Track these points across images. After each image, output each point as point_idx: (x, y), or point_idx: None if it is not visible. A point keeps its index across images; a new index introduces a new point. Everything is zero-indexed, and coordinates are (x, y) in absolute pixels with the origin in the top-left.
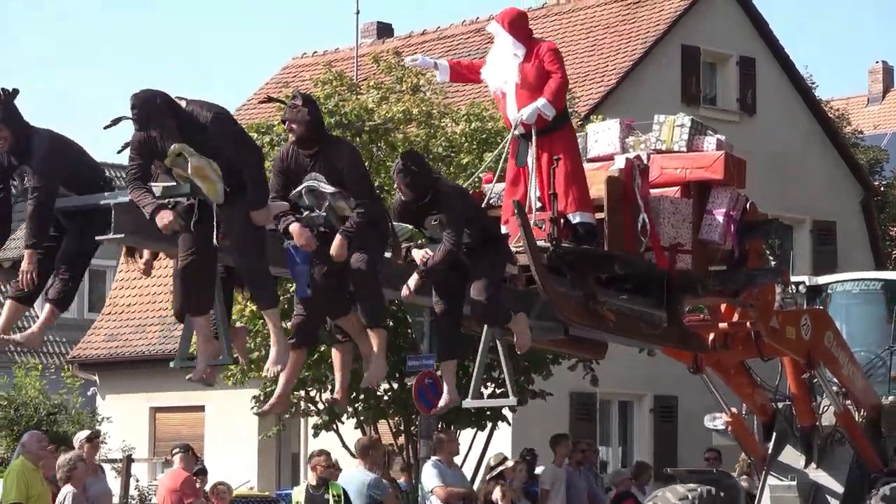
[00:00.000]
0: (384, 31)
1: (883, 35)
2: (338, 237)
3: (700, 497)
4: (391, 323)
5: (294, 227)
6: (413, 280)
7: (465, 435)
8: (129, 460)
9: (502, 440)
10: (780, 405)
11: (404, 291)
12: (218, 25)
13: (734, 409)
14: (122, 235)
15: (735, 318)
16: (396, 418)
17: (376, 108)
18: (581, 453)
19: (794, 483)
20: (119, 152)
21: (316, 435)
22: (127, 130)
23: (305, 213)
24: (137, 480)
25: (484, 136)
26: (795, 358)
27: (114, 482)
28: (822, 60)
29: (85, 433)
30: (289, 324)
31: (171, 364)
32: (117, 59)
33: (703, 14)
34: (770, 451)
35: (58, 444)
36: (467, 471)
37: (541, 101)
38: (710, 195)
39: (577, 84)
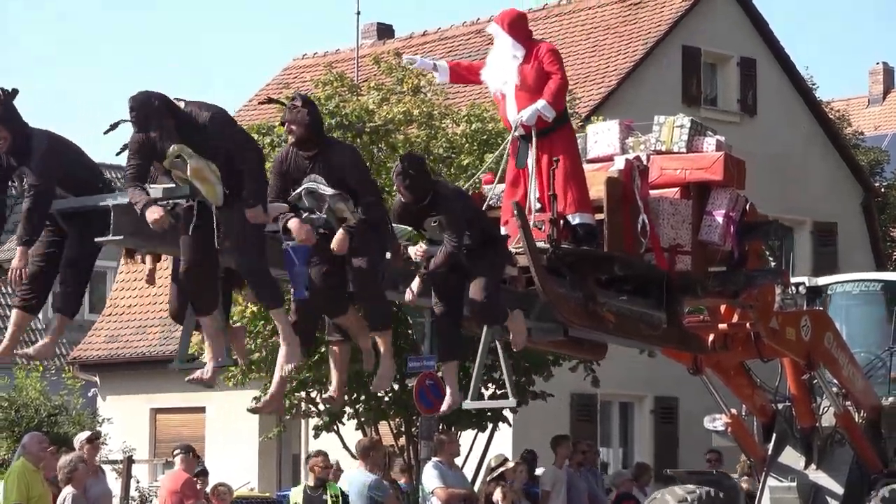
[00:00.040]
0: (385, 32)
1: (883, 36)
2: (340, 231)
3: (699, 498)
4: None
5: (293, 223)
6: (415, 283)
7: (466, 436)
8: (129, 461)
9: (503, 441)
10: (780, 406)
11: (407, 296)
12: (218, 25)
13: (734, 411)
14: (122, 237)
15: (735, 319)
16: (397, 419)
17: (377, 109)
18: (582, 454)
19: (794, 484)
20: (118, 154)
21: (317, 436)
22: (126, 132)
23: (305, 214)
24: (138, 482)
25: (485, 137)
26: (795, 359)
27: (114, 483)
28: (822, 61)
29: (85, 434)
30: None
31: (171, 365)
32: (117, 59)
33: (704, 15)
34: (770, 453)
35: (58, 445)
36: (468, 472)
37: (540, 103)
38: (710, 196)
39: (578, 85)
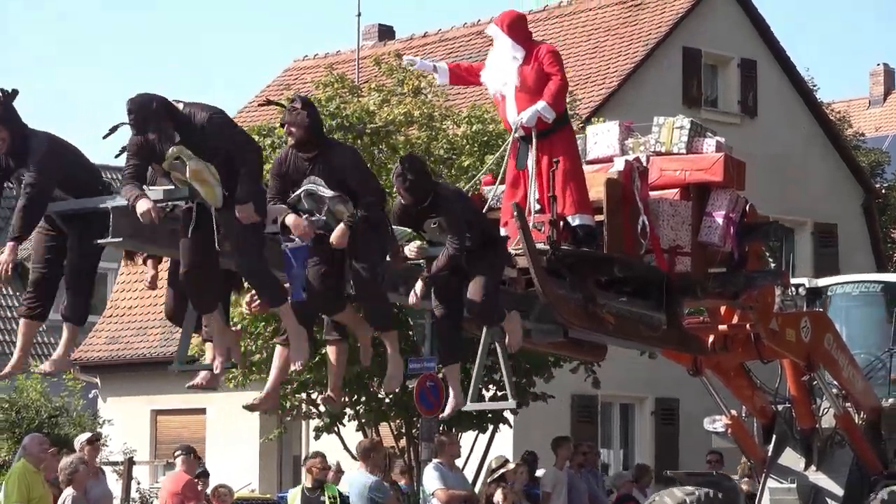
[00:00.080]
0: (385, 33)
1: (884, 37)
2: (341, 226)
3: (698, 500)
4: None
5: (290, 219)
6: (419, 286)
7: (467, 437)
8: (130, 463)
9: (503, 443)
10: (780, 407)
11: (411, 299)
12: (218, 26)
13: (734, 412)
14: (121, 239)
15: (735, 320)
16: (398, 421)
17: (377, 111)
18: (582, 456)
19: (794, 486)
20: (117, 156)
21: (317, 437)
22: (125, 135)
23: (304, 216)
24: (139, 483)
25: (485, 138)
26: (795, 360)
27: (115, 485)
28: (823, 63)
29: (86, 435)
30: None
31: (171, 367)
32: (117, 59)
33: (705, 16)
34: (770, 454)
35: (59, 446)
36: (469, 473)
37: (540, 104)
38: (710, 197)
39: (579, 86)
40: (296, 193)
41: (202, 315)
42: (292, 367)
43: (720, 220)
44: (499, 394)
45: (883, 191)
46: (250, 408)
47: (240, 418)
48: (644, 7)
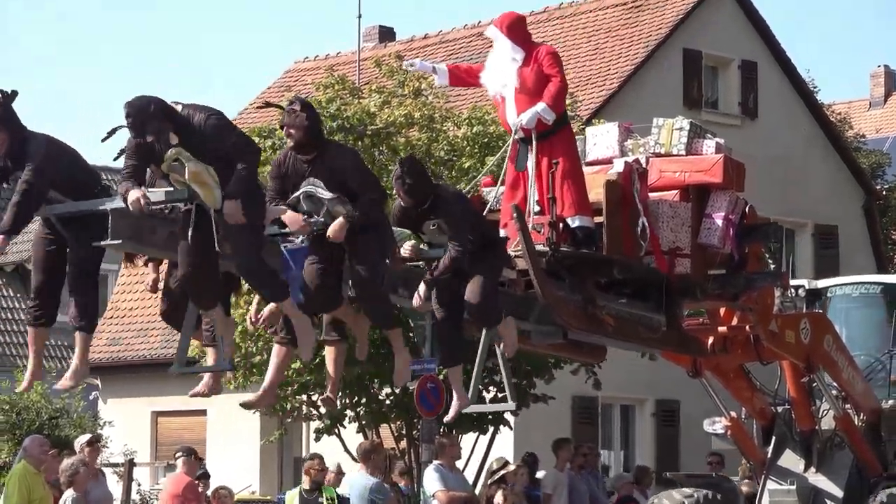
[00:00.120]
0: (386, 35)
1: (885, 39)
2: (340, 219)
3: (698, 502)
4: None
5: (287, 215)
6: (422, 289)
7: (467, 439)
8: (130, 464)
9: (504, 444)
10: (780, 409)
11: (415, 301)
12: (218, 26)
13: (733, 414)
14: (120, 241)
15: (734, 321)
16: (398, 422)
17: (378, 112)
18: (583, 457)
19: (794, 487)
20: (115, 159)
21: (318, 439)
22: (124, 137)
23: (304, 218)
24: (139, 485)
25: (486, 139)
26: (795, 362)
27: (116, 486)
28: (823, 64)
29: (86, 437)
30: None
31: (171, 369)
32: (117, 59)
33: (705, 18)
34: (769, 456)
35: (59, 448)
36: (469, 475)
37: (540, 106)
38: (710, 199)
39: (579, 88)
40: (295, 195)
41: (203, 311)
42: (300, 357)
43: (720, 222)
44: (499, 395)
45: (883, 192)
46: (247, 405)
47: (240, 420)
48: (644, 8)
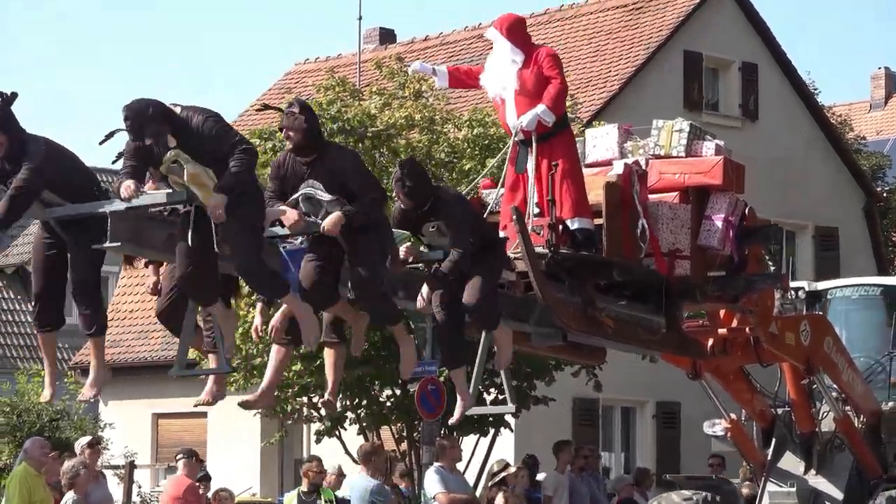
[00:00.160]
0: (386, 36)
1: (885, 41)
2: (337, 213)
3: None
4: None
5: (282, 209)
6: (425, 290)
7: (468, 441)
8: (131, 466)
9: (505, 446)
10: (780, 411)
11: (419, 303)
12: (218, 26)
13: (733, 416)
14: (119, 243)
15: (734, 323)
16: (399, 424)
17: (379, 114)
18: (584, 459)
19: (794, 489)
20: (114, 162)
21: (318, 441)
22: (123, 140)
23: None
24: (140, 487)
25: (486, 141)
26: (795, 364)
27: (116, 488)
28: (824, 66)
29: (86, 438)
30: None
31: (170, 372)
32: (117, 59)
33: (706, 20)
34: (769, 458)
35: (60, 450)
36: (470, 477)
37: (540, 108)
38: (709, 201)
39: (580, 90)
40: (293, 197)
41: (203, 308)
42: (306, 347)
43: (719, 224)
44: (500, 397)
45: (884, 194)
46: (245, 405)
47: (241, 422)
48: (645, 10)
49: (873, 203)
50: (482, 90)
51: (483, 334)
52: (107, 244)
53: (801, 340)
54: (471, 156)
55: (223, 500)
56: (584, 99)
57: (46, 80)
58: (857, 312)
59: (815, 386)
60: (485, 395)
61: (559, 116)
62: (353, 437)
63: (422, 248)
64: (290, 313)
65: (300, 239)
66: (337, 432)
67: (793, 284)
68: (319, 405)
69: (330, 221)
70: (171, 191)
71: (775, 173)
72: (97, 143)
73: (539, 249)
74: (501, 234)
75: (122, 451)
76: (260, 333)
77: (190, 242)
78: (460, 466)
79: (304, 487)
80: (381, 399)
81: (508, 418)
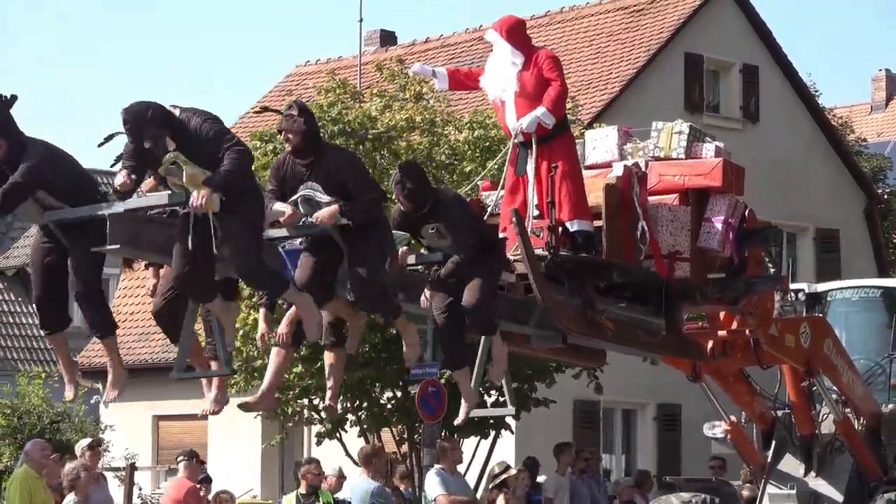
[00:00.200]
0: (387, 39)
1: (886, 43)
2: (335, 206)
3: None
4: (394, 331)
5: (277, 206)
6: (427, 292)
7: (468, 443)
8: (132, 468)
9: (505, 448)
10: (780, 413)
11: (423, 302)
12: (218, 26)
13: (733, 418)
14: (118, 246)
15: (734, 325)
16: (399, 426)
17: (379, 116)
18: (584, 461)
19: (794, 492)
20: (112, 165)
21: (319, 443)
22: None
23: (302, 221)
24: (140, 489)
25: (487, 143)
26: (794, 366)
27: (117, 490)
28: (825, 68)
29: (87, 440)
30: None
31: (171, 374)
32: (117, 59)
33: (707, 22)
34: (769, 460)
35: (61, 452)
36: (470, 479)
37: (540, 110)
38: (709, 203)
39: (581, 92)
40: (292, 199)
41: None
42: (310, 339)
43: (719, 226)
44: (500, 399)
45: (885, 196)
46: (246, 407)
47: (242, 424)
48: (646, 12)
49: (874, 205)
50: (482, 92)
51: (483, 337)
52: (106, 247)
53: (801, 342)
54: (471, 158)
55: (224, 501)
56: (584, 101)
57: (46, 80)
58: (857, 314)
59: (814, 388)
60: (485, 397)
61: (559, 118)
62: (353, 439)
63: (422, 251)
64: (295, 318)
65: (299, 239)
66: (338, 434)
67: (793, 286)
68: (321, 409)
69: (325, 212)
70: (171, 192)
71: (776, 175)
72: (96, 146)
73: (539, 251)
74: (501, 235)
75: (123, 454)
76: (266, 341)
77: (191, 245)
78: (461, 468)
79: (302, 490)
80: (381, 401)
81: (509, 420)
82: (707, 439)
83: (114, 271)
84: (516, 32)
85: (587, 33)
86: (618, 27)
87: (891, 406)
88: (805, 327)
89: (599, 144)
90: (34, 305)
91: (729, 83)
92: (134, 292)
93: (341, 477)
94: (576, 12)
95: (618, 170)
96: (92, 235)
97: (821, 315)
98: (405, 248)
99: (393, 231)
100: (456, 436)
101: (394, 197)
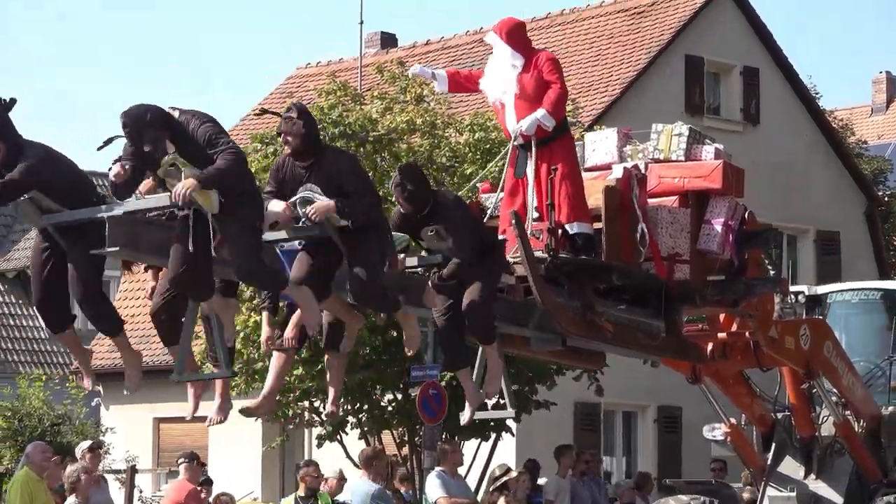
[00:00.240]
0: (388, 41)
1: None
2: (331, 202)
3: None
4: (395, 334)
5: (273, 204)
6: (428, 292)
7: (469, 445)
8: (132, 471)
9: (506, 451)
10: (780, 416)
11: (427, 298)
12: (218, 26)
13: (733, 420)
14: (117, 248)
15: (734, 328)
16: (400, 429)
17: (380, 119)
18: (585, 464)
19: (794, 494)
20: (109, 169)
21: (320, 445)
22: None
23: (301, 223)
24: (141, 491)
25: (488, 146)
26: (794, 368)
27: (118, 493)
28: (825, 70)
29: (87, 443)
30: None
31: (171, 377)
32: (117, 59)
33: (707, 24)
34: (769, 462)
35: (62, 454)
36: (471, 481)
37: (540, 112)
38: (709, 205)
39: (581, 94)
40: (291, 200)
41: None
42: (310, 333)
43: (719, 228)
44: (501, 402)
45: (886, 198)
46: (247, 412)
47: (242, 426)
48: (646, 15)
49: (875, 207)
50: (483, 94)
51: (480, 347)
52: (105, 249)
53: (801, 345)
54: (472, 160)
55: None
56: (585, 103)
57: (46, 80)
58: (856, 316)
59: (814, 390)
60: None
61: (559, 121)
62: (354, 441)
63: (422, 253)
64: (300, 321)
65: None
66: (338, 437)
67: (792, 288)
68: (322, 413)
69: (322, 204)
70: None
71: (777, 177)
72: (96, 150)
73: (538, 254)
74: (500, 237)
75: (124, 456)
76: (270, 345)
77: (191, 247)
78: (462, 471)
79: (301, 492)
80: (382, 403)
81: (510, 423)
82: (708, 441)
83: (114, 273)
84: (516, 35)
85: (588, 36)
86: (618, 29)
87: (891, 408)
88: (805, 329)
89: (599, 146)
90: (35, 308)
91: (729, 85)
92: (134, 295)
93: (342, 479)
94: (576, 14)
95: (617, 172)
96: (91, 238)
97: (821, 317)
98: (402, 257)
99: (392, 233)
100: (457, 438)
101: (394, 199)
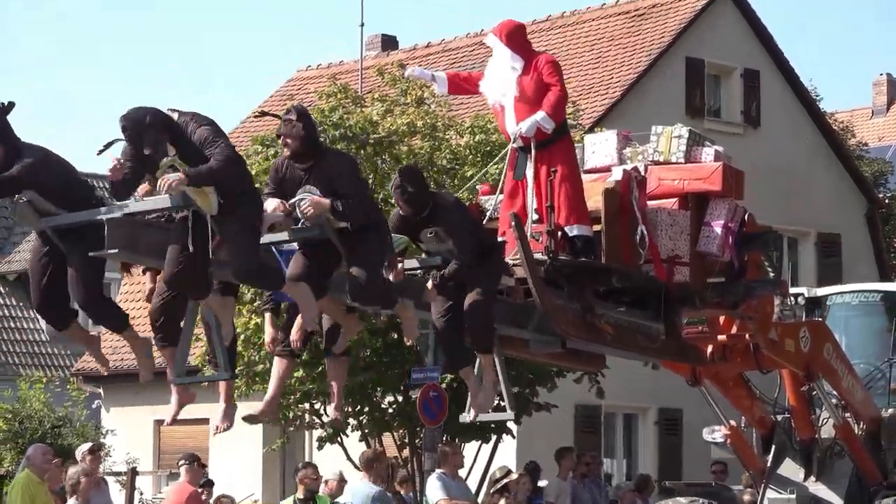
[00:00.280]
0: (389, 43)
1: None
2: (327, 200)
3: None
4: (395, 336)
5: (269, 203)
6: (429, 283)
7: (470, 448)
8: (133, 473)
9: (506, 453)
10: (779, 418)
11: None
12: (218, 26)
13: (733, 422)
14: (116, 250)
15: (734, 330)
16: (401, 431)
17: (381, 121)
18: (586, 466)
19: (794, 496)
20: (109, 170)
21: (320, 447)
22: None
23: (300, 224)
24: (141, 493)
25: (488, 148)
26: (794, 370)
27: (118, 495)
28: (826, 73)
29: (87, 445)
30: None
31: (170, 379)
32: (117, 59)
33: (708, 26)
34: (769, 464)
35: (62, 457)
36: (472, 483)
37: (540, 115)
38: (709, 207)
39: (582, 96)
40: (291, 202)
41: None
42: (307, 328)
43: (719, 230)
44: (501, 404)
45: (886, 201)
46: (249, 419)
47: (243, 428)
48: (647, 17)
49: (875, 209)
50: (483, 96)
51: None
52: (105, 251)
53: (801, 347)
54: (473, 162)
55: None
56: (585, 105)
57: (46, 80)
58: (856, 319)
59: (814, 392)
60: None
61: (558, 123)
62: (354, 443)
63: (423, 255)
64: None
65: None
66: (339, 439)
67: (792, 291)
68: (327, 423)
69: (314, 203)
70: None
71: (777, 180)
72: (96, 154)
73: (538, 256)
74: (500, 239)
75: (124, 458)
76: (274, 347)
77: (192, 248)
78: (462, 473)
79: (299, 494)
80: (383, 405)
81: (510, 425)
82: (708, 444)
83: (115, 276)
84: (516, 37)
85: (588, 38)
86: (619, 32)
87: (891, 410)
88: (805, 332)
89: (598, 148)
90: (35, 311)
91: (730, 88)
92: (135, 297)
93: (342, 481)
94: (577, 17)
95: (617, 174)
96: (90, 240)
97: (820, 319)
98: (400, 267)
99: (392, 234)
100: (457, 440)
101: (393, 201)
